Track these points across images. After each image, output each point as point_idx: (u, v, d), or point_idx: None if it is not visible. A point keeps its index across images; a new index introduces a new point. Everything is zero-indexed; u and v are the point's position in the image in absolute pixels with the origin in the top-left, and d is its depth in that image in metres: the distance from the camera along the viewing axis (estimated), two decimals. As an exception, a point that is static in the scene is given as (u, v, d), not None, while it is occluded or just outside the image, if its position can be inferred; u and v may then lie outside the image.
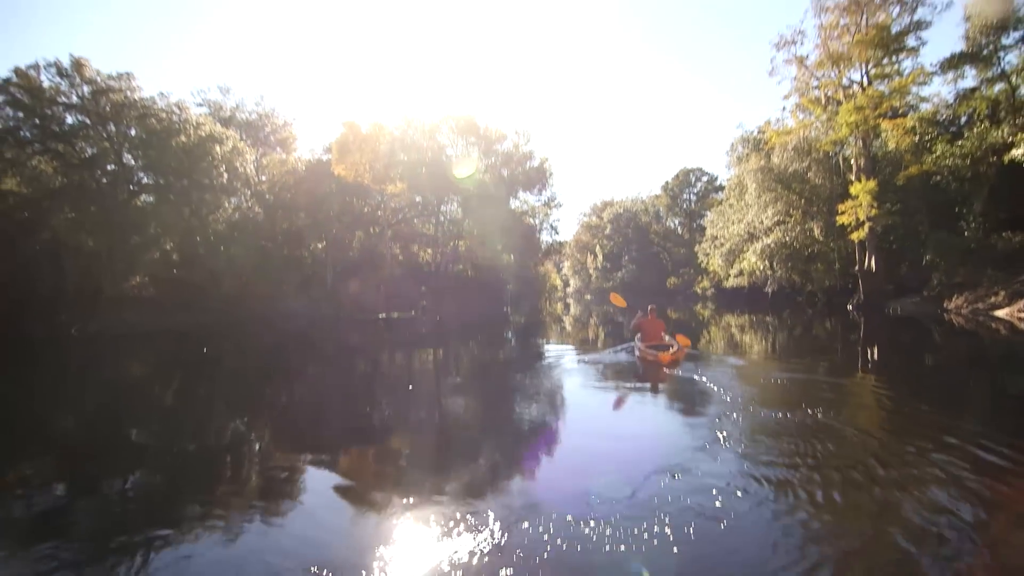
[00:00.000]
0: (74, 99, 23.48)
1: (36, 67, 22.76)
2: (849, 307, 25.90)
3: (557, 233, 39.22)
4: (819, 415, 5.69)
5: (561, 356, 12.65)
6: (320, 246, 32.34)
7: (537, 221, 36.52)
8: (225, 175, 26.11)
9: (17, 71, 22.41)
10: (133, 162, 25.30)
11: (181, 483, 4.73)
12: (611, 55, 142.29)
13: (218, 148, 25.42)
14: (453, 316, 27.12)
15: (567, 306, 45.46)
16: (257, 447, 6.06)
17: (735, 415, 5.89)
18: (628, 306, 14.32)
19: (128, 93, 24.02)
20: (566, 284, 75.58)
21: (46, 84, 22.97)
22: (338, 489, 4.44)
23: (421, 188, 31.33)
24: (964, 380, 8.79)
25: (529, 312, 34.01)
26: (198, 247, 26.56)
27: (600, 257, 68.37)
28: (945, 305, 21.57)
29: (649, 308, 11.43)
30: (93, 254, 23.12)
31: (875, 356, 12.03)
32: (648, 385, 8.38)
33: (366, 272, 30.80)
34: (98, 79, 23.50)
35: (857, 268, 26.65)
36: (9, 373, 12.17)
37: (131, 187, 25.56)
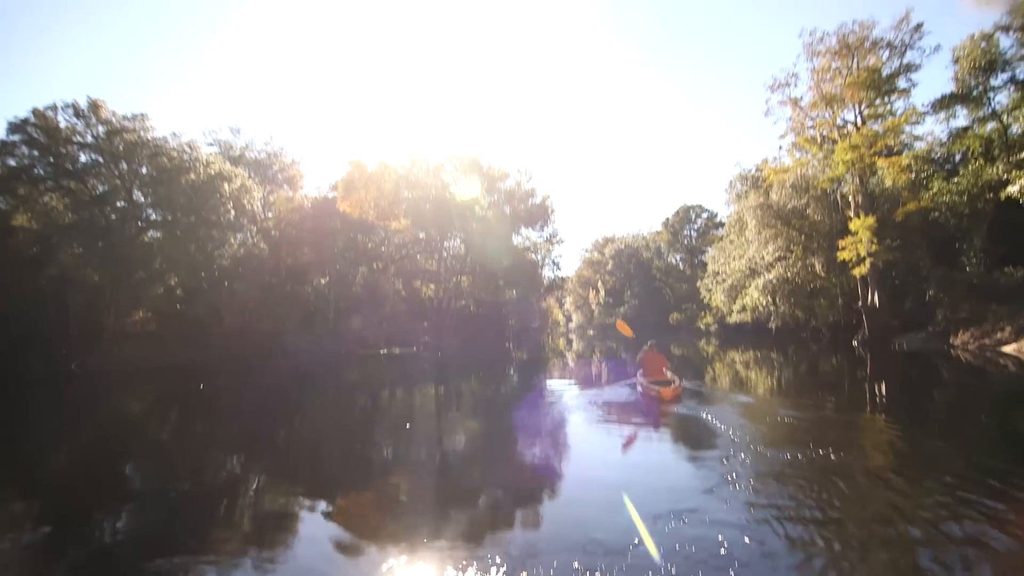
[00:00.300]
0: (89, 138, 24.16)
1: (54, 108, 23.52)
2: (854, 343, 25.66)
3: (559, 269, 39.51)
4: (830, 455, 5.54)
5: (564, 393, 12.47)
6: (323, 282, 32.51)
7: (539, 257, 36.80)
8: (232, 212, 26.55)
9: (35, 112, 23.15)
10: (143, 199, 25.80)
11: (174, 524, 4.58)
12: (610, 92, 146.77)
13: (226, 186, 25.95)
14: (455, 352, 26.93)
15: (570, 342, 45.18)
16: (252, 487, 5.91)
17: (743, 455, 5.74)
18: (635, 336, 14.31)
19: (142, 133, 24.72)
20: (568, 320, 75.40)
21: (63, 124, 23.69)
22: (334, 531, 4.30)
23: (425, 224, 31.75)
24: (977, 417, 8.59)
25: (532, 348, 33.77)
26: (202, 282, 26.72)
27: (602, 292, 68.45)
28: (951, 341, 21.35)
29: (649, 343, 11.44)
30: (98, 289, 23.25)
31: (884, 393, 11.82)
32: (652, 422, 8.22)
33: (369, 308, 30.85)
34: (113, 120, 24.25)
35: (861, 304, 26.54)
36: (4, 411, 12.03)
37: (139, 223, 25.95)
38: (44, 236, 23.40)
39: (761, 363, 19.60)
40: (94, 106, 23.84)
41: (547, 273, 38.19)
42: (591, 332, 64.05)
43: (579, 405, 10.36)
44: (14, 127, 22.75)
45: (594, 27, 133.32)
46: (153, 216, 26.44)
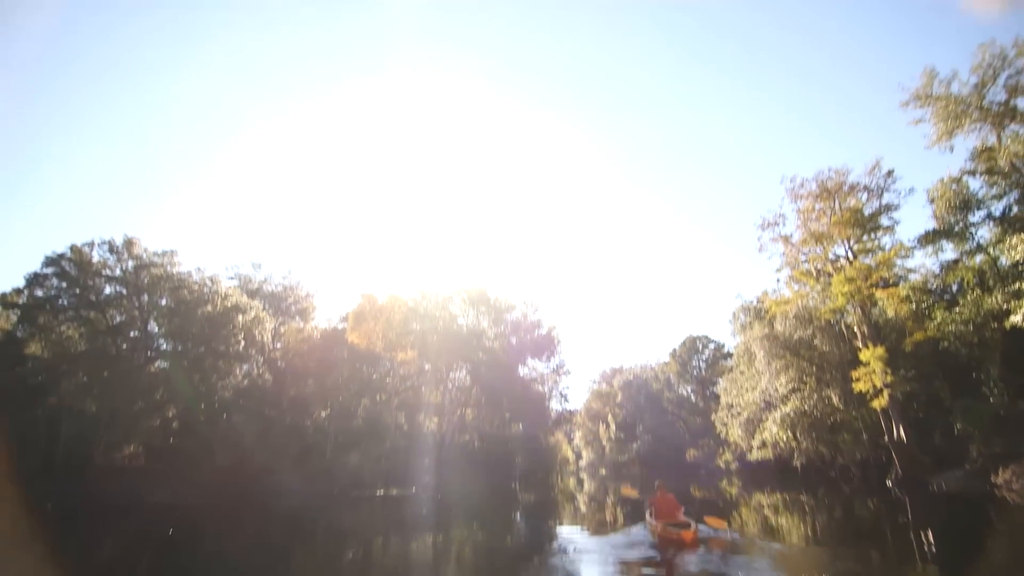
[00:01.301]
0: (117, 272, 25.56)
1: (91, 244, 25.30)
2: (888, 483, 23.69)
3: (567, 401, 38.54)
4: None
5: (575, 543, 11.31)
6: (324, 415, 31.56)
7: (546, 389, 36.08)
8: (242, 342, 26.93)
9: (73, 248, 24.86)
10: (157, 329, 26.41)
11: None
12: (613, 223, 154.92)
13: (240, 317, 26.68)
14: (457, 493, 25.08)
15: (580, 481, 42.16)
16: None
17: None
18: (640, 494, 13.90)
19: (168, 268, 26.18)
20: (578, 456, 71.40)
21: (96, 259, 25.24)
22: None
23: (431, 356, 31.75)
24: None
25: (539, 488, 31.42)
26: (200, 415, 26.08)
27: (613, 426, 65.53)
28: (993, 480, 19.66)
29: (656, 484, 10.92)
30: (92, 420, 22.70)
31: (932, 543, 10.55)
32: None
33: (368, 443, 29.49)
34: (144, 255, 25.89)
35: (887, 439, 25.05)
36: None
37: (148, 352, 26.23)
38: (52, 365, 23.58)
39: (791, 507, 17.98)
40: (128, 243, 25.64)
41: (554, 405, 37.20)
42: (603, 471, 60.04)
43: (593, 559, 9.31)
44: (49, 261, 24.30)
45: (598, 162, 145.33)
46: (164, 346, 26.84)
